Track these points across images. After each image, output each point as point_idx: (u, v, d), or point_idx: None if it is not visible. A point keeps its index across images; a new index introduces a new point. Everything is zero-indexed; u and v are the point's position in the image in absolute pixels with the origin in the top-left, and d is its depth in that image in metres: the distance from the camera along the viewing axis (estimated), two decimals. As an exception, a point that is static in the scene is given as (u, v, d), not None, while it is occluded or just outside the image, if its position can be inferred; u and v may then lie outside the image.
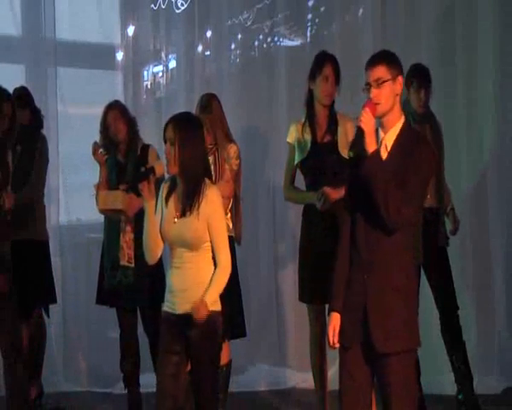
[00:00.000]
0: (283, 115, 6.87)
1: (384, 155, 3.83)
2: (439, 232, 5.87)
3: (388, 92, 3.82)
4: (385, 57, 3.88)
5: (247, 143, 6.70)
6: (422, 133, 5.82)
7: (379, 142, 3.86)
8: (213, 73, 7.20)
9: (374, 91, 3.81)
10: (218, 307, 4.39)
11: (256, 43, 7.23)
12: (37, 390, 6.16)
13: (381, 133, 3.89)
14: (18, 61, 6.97)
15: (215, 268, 4.36)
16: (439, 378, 6.42)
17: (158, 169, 4.38)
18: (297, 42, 7.24)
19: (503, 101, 6.77)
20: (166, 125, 4.35)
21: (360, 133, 3.78)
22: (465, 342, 5.92)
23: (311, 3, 7.20)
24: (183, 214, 4.31)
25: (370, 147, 3.76)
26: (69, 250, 6.97)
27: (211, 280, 4.32)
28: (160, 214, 4.39)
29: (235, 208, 5.62)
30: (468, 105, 6.77)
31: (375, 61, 3.85)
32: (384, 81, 3.81)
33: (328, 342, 3.99)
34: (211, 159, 5.53)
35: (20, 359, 5.32)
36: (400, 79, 3.87)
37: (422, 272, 5.91)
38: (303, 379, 6.68)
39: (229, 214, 5.59)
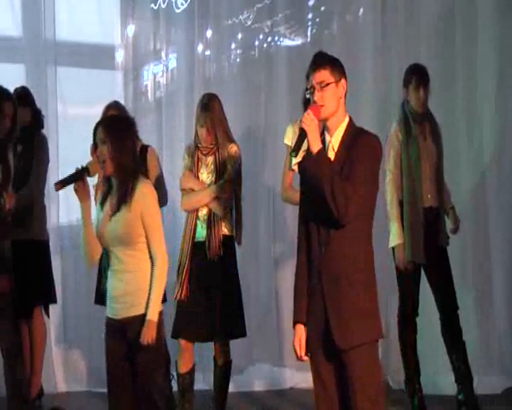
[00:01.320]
0: (283, 115, 6.87)
1: (332, 156, 3.87)
2: (441, 232, 5.87)
3: (331, 95, 3.87)
4: (328, 61, 3.93)
5: (247, 143, 6.70)
6: (422, 133, 5.87)
7: (326, 145, 3.90)
8: (213, 73, 7.20)
9: (317, 94, 3.86)
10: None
11: (256, 42, 7.23)
12: (37, 390, 6.16)
13: (328, 136, 3.93)
14: (18, 61, 6.97)
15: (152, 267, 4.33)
16: (439, 378, 6.42)
17: (92, 168, 4.36)
18: (297, 41, 7.24)
19: (503, 101, 6.78)
20: (96, 128, 4.37)
21: (303, 134, 3.82)
22: (465, 342, 5.92)
23: (311, 3, 7.20)
24: (117, 210, 4.29)
25: (314, 146, 3.80)
26: (69, 250, 6.97)
27: (150, 289, 4.27)
28: (97, 219, 4.39)
29: (235, 208, 5.62)
30: (468, 105, 6.77)
31: (318, 64, 3.91)
32: (327, 84, 3.86)
33: (296, 356, 3.97)
34: (211, 159, 5.55)
35: (20, 359, 5.32)
36: (343, 82, 3.91)
37: (422, 272, 5.93)
38: (302, 379, 6.66)
39: (230, 214, 5.59)
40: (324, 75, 3.87)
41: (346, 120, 3.94)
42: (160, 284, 4.30)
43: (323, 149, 3.83)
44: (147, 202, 4.31)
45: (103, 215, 4.36)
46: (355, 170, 3.79)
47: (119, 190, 4.30)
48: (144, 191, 4.30)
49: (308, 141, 3.80)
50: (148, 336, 4.22)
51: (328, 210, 3.77)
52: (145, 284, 4.31)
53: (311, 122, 3.80)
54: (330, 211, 3.76)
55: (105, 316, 4.46)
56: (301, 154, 3.90)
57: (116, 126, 4.37)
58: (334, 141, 3.91)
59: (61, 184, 4.38)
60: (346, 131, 3.91)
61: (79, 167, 4.36)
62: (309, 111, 3.83)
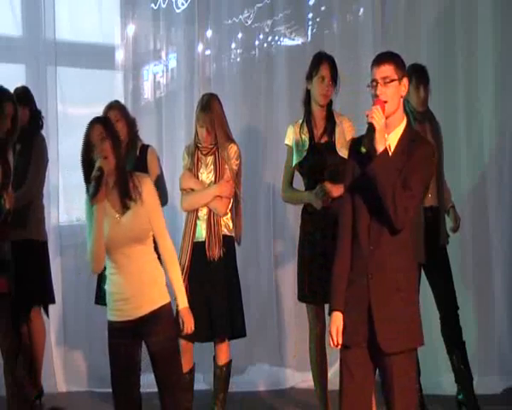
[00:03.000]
0: (283, 115, 6.87)
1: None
2: (441, 232, 5.87)
3: (394, 92, 3.85)
4: (393, 57, 3.90)
5: (247, 143, 6.70)
6: (422, 133, 5.87)
7: None
8: (213, 73, 7.20)
9: (380, 89, 3.83)
10: (165, 299, 4.41)
11: (256, 42, 7.22)
12: (37, 390, 6.16)
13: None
14: (18, 61, 6.97)
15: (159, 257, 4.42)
16: (439, 378, 6.42)
17: (104, 166, 4.31)
18: (297, 41, 7.23)
19: (503, 100, 6.77)
20: (91, 127, 4.36)
21: (371, 130, 3.78)
22: (465, 342, 5.91)
23: (311, 3, 7.19)
24: (126, 209, 4.30)
25: (380, 145, 3.78)
26: (69, 250, 6.97)
27: (172, 280, 4.40)
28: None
29: (235, 208, 5.62)
30: (468, 105, 6.77)
31: (383, 59, 3.88)
32: (391, 80, 3.83)
33: (332, 342, 3.97)
34: (211, 159, 5.54)
35: (20, 359, 5.32)
36: (405, 81, 3.90)
37: (423, 271, 5.92)
38: (303, 379, 6.68)
39: (230, 214, 5.59)
40: (389, 70, 3.83)
41: (405, 121, 3.93)
42: (178, 271, 4.44)
43: (387, 150, 3.80)
44: (153, 196, 4.37)
45: (108, 218, 4.31)
46: (414, 181, 3.79)
47: (119, 185, 4.31)
48: (150, 187, 4.37)
49: (375, 138, 3.76)
50: (189, 323, 4.39)
51: (385, 212, 3.78)
52: (155, 277, 4.37)
53: (380, 119, 3.76)
54: (388, 216, 3.78)
55: (108, 321, 4.47)
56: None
57: (110, 123, 4.46)
58: (392, 140, 3.88)
59: (95, 195, 4.32)
60: (404, 132, 3.90)
61: (97, 171, 4.31)
62: (378, 107, 3.78)
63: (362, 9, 7.06)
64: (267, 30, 7.18)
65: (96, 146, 4.30)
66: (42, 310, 6.25)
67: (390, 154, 3.84)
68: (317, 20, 7.18)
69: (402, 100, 3.90)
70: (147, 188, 4.35)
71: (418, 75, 5.83)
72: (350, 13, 7.13)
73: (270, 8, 7.16)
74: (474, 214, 6.72)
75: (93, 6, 7.12)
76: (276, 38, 7.19)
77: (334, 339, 3.94)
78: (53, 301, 6.27)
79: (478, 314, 6.65)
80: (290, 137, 5.54)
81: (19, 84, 6.14)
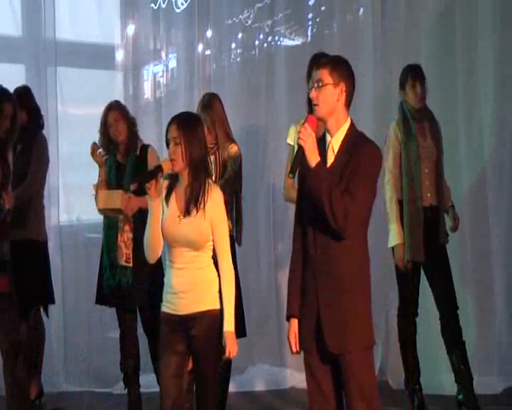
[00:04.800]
0: (283, 115, 6.87)
1: (331, 157, 3.91)
2: (440, 231, 5.87)
3: (327, 96, 3.89)
4: (330, 62, 3.96)
5: (247, 143, 6.69)
6: (422, 132, 5.87)
7: (326, 144, 3.94)
8: (213, 73, 7.20)
9: (313, 92, 3.91)
10: (218, 305, 4.38)
11: (256, 42, 7.22)
12: (37, 390, 6.16)
13: (328, 137, 3.97)
14: (18, 61, 6.97)
15: (216, 269, 4.37)
16: (439, 378, 6.42)
17: (165, 167, 4.35)
18: (297, 41, 7.23)
19: (503, 100, 6.77)
20: (169, 125, 4.36)
21: (300, 150, 3.83)
22: (465, 342, 5.91)
23: (311, 3, 7.19)
24: (187, 213, 4.31)
25: (312, 160, 3.81)
26: (69, 250, 6.97)
27: (224, 300, 4.32)
28: (161, 214, 4.39)
29: (235, 208, 5.62)
30: (468, 104, 6.76)
31: (319, 63, 3.96)
32: (325, 84, 3.88)
33: (291, 349, 4.04)
34: (211, 158, 5.54)
35: (20, 359, 5.32)
36: (343, 86, 3.91)
37: (422, 271, 5.93)
38: (303, 379, 6.61)
39: (230, 214, 5.59)
40: (322, 74, 3.90)
41: (348, 123, 3.96)
42: (231, 294, 4.34)
43: (322, 162, 3.84)
44: (219, 209, 4.33)
45: (170, 213, 4.33)
46: (356, 183, 3.81)
47: (191, 193, 4.30)
48: (217, 199, 4.33)
49: (306, 156, 3.81)
50: (232, 348, 4.30)
51: (327, 221, 3.80)
52: (209, 282, 4.34)
53: (307, 137, 3.82)
54: (329, 223, 3.80)
55: (162, 311, 4.42)
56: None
57: (190, 125, 4.36)
58: (335, 142, 3.94)
59: (137, 181, 4.35)
60: (346, 134, 3.93)
61: (154, 167, 4.33)
62: (305, 125, 3.84)
63: (362, 9, 7.06)
64: (267, 30, 7.18)
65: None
66: (42, 310, 6.26)
67: (333, 158, 3.89)
68: (317, 20, 7.18)
69: (341, 105, 3.91)
70: (214, 202, 4.31)
71: (413, 73, 5.85)
72: (350, 13, 7.13)
73: (270, 8, 7.16)
74: (473, 214, 6.72)
75: (93, 6, 7.12)
76: (276, 38, 7.19)
77: (293, 346, 4.03)
78: (53, 302, 6.27)
79: (478, 314, 6.65)
80: (292, 136, 5.54)
81: (19, 84, 6.14)
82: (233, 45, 7.26)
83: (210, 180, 4.39)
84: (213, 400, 4.40)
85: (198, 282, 4.33)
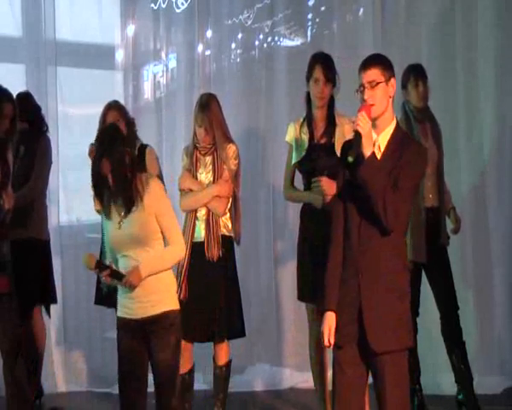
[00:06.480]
0: (283, 115, 6.86)
1: (378, 154, 3.93)
2: (442, 232, 5.87)
3: (382, 94, 3.94)
4: (378, 60, 4.01)
5: (247, 143, 6.70)
6: (423, 132, 5.87)
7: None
8: (213, 73, 7.19)
9: (368, 93, 3.92)
10: (175, 306, 4.39)
11: (256, 42, 7.22)
12: (36, 390, 6.16)
13: (374, 134, 3.97)
14: (18, 61, 6.96)
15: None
16: (439, 378, 6.42)
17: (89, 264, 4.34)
18: (297, 41, 7.23)
19: (503, 100, 6.77)
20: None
21: (358, 137, 3.87)
22: (465, 342, 5.91)
23: (311, 3, 7.19)
24: (127, 213, 4.29)
25: (367, 150, 3.86)
26: (69, 250, 6.96)
27: (158, 253, 4.32)
28: (106, 230, 4.41)
29: (234, 208, 5.62)
30: (468, 105, 6.76)
31: (369, 63, 3.98)
32: (378, 83, 3.92)
33: (324, 341, 4.02)
34: (209, 159, 5.55)
35: (19, 359, 5.32)
36: (393, 81, 3.99)
37: (423, 271, 5.92)
38: (302, 379, 6.68)
39: (229, 214, 5.59)
40: (375, 74, 3.93)
41: (394, 121, 4.01)
42: (167, 258, 4.35)
43: (375, 154, 3.87)
44: (158, 197, 4.32)
45: (111, 224, 4.34)
46: (405, 184, 3.86)
47: (119, 193, 4.28)
48: (154, 189, 4.31)
49: (362, 144, 3.84)
50: (131, 280, 4.24)
51: (376, 215, 3.83)
52: (165, 282, 4.34)
53: (365, 124, 3.86)
54: (378, 218, 3.83)
55: (117, 317, 4.44)
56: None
57: (105, 138, 4.36)
58: (381, 140, 3.97)
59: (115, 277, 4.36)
60: (393, 133, 3.97)
61: (120, 274, 4.34)
62: (363, 113, 3.87)
63: (362, 9, 7.05)
64: (267, 30, 7.18)
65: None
66: (43, 310, 6.25)
67: (379, 155, 3.91)
68: (317, 20, 7.18)
69: (391, 100, 3.98)
70: (152, 195, 4.30)
71: (416, 73, 5.87)
72: (350, 13, 7.13)
73: (270, 8, 7.16)
74: (473, 214, 6.71)
75: (93, 6, 7.12)
76: (276, 38, 7.19)
77: (326, 339, 4.00)
78: (55, 301, 6.27)
79: (478, 314, 6.65)
80: (291, 134, 5.54)
81: (19, 85, 6.15)
82: (233, 45, 7.26)
83: (144, 174, 4.39)
84: (174, 392, 4.39)
85: (154, 284, 4.31)
